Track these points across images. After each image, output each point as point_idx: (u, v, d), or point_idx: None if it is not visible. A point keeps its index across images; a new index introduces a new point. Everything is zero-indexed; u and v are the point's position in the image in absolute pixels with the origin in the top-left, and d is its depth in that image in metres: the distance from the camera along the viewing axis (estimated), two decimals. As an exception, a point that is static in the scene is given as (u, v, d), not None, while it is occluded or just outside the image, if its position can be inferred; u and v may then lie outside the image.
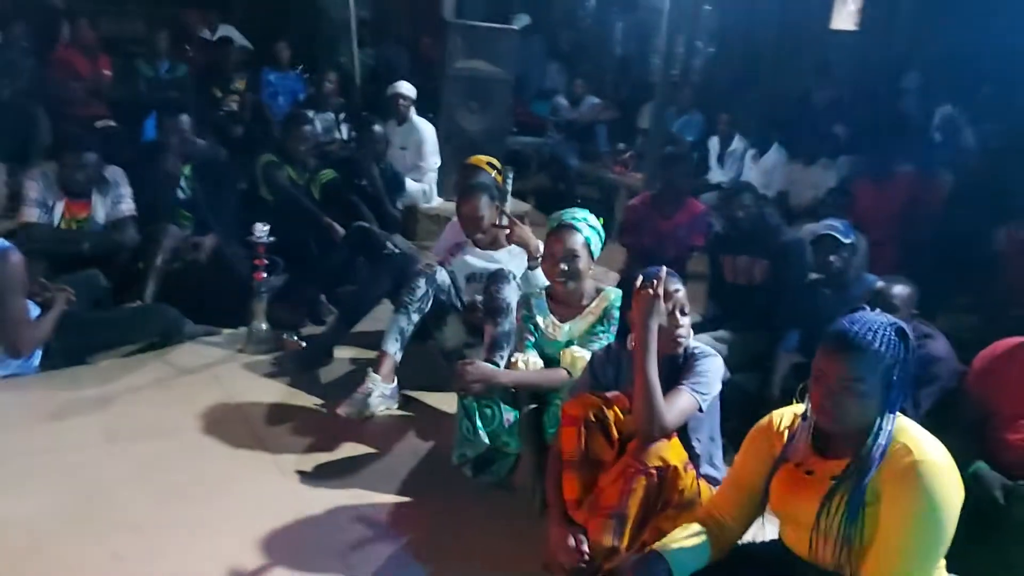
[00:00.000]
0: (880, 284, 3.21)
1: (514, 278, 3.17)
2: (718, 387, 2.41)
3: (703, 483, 2.32)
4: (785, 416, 2.10)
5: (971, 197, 5.33)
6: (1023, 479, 2.72)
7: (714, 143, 7.32)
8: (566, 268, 2.76)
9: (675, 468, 2.20)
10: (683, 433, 2.35)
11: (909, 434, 1.87)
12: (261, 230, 3.76)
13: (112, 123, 6.92)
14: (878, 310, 1.95)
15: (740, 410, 3.60)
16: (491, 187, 3.63)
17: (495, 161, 3.96)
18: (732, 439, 3.44)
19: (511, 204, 5.89)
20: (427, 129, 6.08)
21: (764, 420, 2.14)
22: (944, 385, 3.13)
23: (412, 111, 6.10)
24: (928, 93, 8.09)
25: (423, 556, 2.49)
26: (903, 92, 8.30)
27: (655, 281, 2.28)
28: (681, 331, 2.35)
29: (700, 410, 2.34)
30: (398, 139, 6.09)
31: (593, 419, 2.33)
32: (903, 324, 1.90)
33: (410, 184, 5.81)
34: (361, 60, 8.26)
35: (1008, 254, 4.53)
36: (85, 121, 6.59)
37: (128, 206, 4.18)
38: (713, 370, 2.39)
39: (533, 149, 8.55)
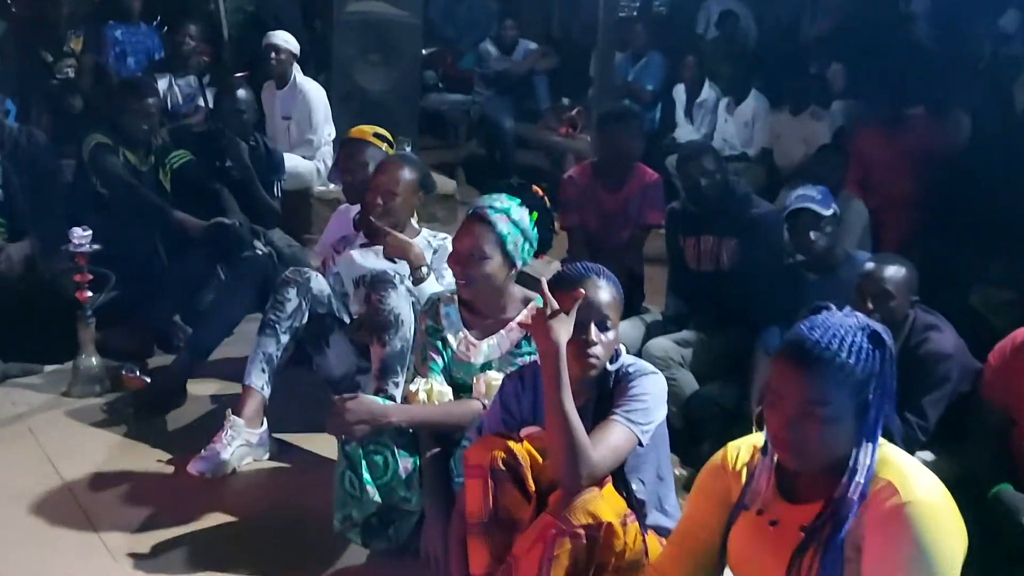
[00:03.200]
0: (870, 265, 3.21)
1: (402, 281, 3.10)
2: (662, 413, 2.36)
3: (651, 536, 2.30)
4: (742, 450, 2.06)
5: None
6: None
7: (679, 92, 7.31)
8: (468, 271, 2.70)
9: (609, 525, 2.15)
10: (619, 475, 2.30)
11: (894, 467, 1.82)
12: (81, 236, 3.65)
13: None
14: (847, 309, 1.91)
15: (713, 429, 3.66)
16: (413, 159, 3.63)
17: (384, 131, 3.87)
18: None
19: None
20: (316, 92, 6.03)
21: (716, 457, 2.11)
22: (956, 388, 3.16)
23: (295, 70, 6.02)
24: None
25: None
26: (910, 17, 8.39)
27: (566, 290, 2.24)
28: (595, 351, 2.28)
29: (640, 444, 2.28)
30: (279, 106, 6.03)
31: (502, 467, 2.27)
32: (878, 327, 1.86)
33: (298, 162, 5.77)
34: (237, 7, 8.11)
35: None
36: None
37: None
38: (654, 392, 2.34)
39: (460, 110, 8.50)
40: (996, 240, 4.62)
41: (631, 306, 4.30)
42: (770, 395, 1.88)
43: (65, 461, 3.25)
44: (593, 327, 2.27)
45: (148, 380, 3.76)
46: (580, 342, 2.24)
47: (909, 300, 3.17)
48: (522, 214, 2.76)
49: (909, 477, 1.80)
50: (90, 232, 3.66)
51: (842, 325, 1.83)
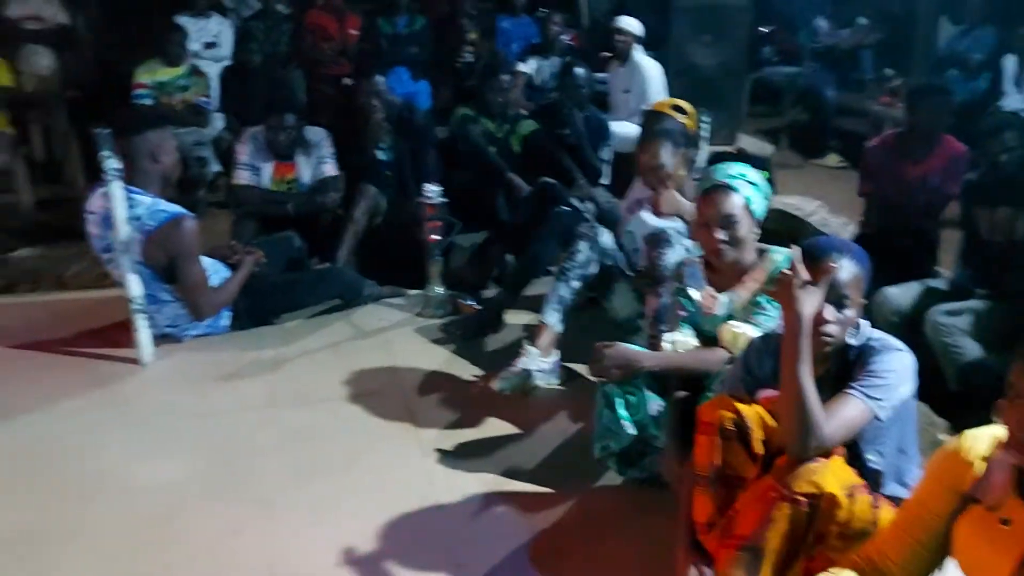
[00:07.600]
0: None
1: (680, 240, 2.80)
2: (906, 389, 1.91)
3: (885, 506, 1.85)
4: (980, 440, 1.61)
5: None
6: None
7: (1009, 62, 6.10)
8: (724, 237, 2.33)
9: (831, 496, 1.77)
10: (854, 447, 1.91)
11: None
12: (430, 190, 3.63)
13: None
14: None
15: (989, 399, 2.99)
16: (675, 133, 3.22)
17: (684, 104, 3.50)
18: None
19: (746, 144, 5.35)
20: (652, 68, 5.63)
21: (952, 443, 1.67)
22: None
23: (635, 49, 5.66)
24: None
25: (544, 562, 2.23)
26: None
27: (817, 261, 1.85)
28: (827, 328, 1.87)
29: (878, 419, 1.86)
30: (620, 81, 5.73)
31: (731, 427, 1.95)
32: None
33: (632, 129, 5.35)
34: (597, -1, 7.90)
35: None
36: (333, 80, 6.93)
37: (331, 166, 4.24)
38: (897, 369, 1.89)
39: (787, 81, 7.72)
40: None
41: (921, 270, 3.66)
42: (1011, 391, 1.42)
43: (405, 367, 3.28)
44: (828, 306, 1.86)
45: (478, 308, 3.70)
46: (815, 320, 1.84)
47: None
48: (755, 175, 2.39)
49: None
50: (439, 188, 3.64)
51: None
